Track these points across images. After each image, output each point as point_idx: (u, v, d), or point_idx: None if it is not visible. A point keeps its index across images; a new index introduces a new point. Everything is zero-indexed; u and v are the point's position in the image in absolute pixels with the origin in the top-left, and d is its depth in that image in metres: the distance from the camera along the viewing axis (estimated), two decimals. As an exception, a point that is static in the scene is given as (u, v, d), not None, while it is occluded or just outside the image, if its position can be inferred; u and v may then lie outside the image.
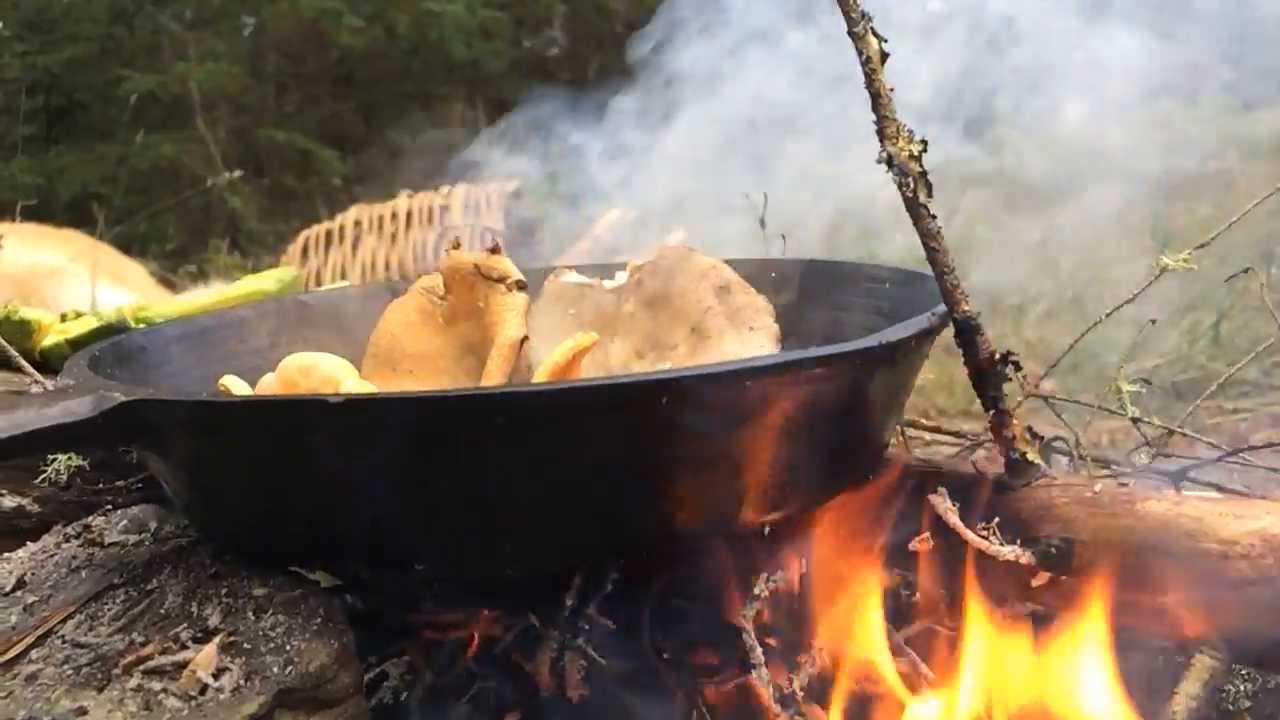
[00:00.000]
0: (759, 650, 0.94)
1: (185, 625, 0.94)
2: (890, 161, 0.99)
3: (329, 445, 0.84)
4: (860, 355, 0.88)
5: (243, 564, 1.00)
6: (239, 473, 0.90)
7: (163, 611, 0.96)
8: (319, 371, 1.18)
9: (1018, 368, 0.99)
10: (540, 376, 1.13)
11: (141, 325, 1.54)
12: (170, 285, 5.50)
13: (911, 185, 0.98)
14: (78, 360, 1.04)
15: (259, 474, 0.89)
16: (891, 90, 1.00)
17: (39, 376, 1.33)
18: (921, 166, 0.99)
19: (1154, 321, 1.44)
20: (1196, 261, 1.28)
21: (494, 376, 1.22)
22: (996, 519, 0.97)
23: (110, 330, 1.45)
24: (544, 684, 1.08)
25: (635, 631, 1.09)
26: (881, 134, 1.00)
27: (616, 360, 1.37)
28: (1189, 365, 3.32)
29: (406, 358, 1.35)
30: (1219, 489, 1.31)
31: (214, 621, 0.93)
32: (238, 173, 5.00)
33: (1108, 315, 1.38)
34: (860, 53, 1.00)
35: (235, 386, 1.10)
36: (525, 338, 1.24)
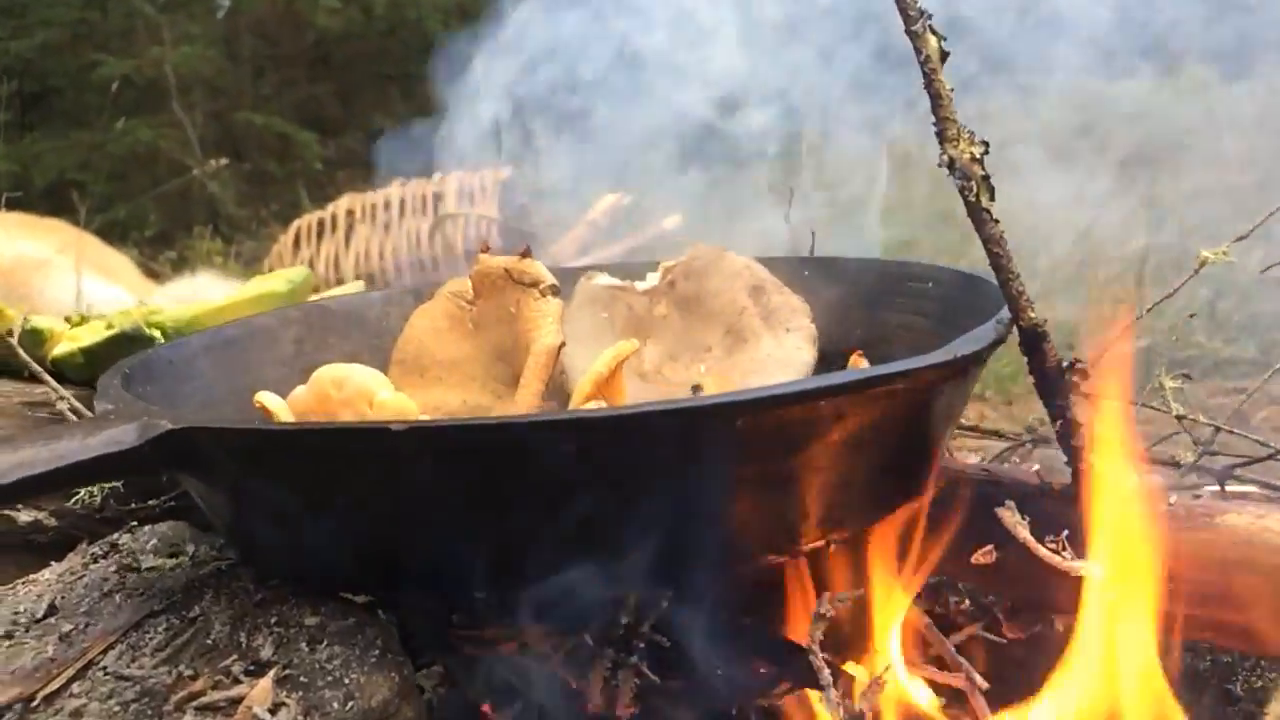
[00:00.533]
0: (827, 672, 0.92)
1: (235, 657, 0.90)
2: (952, 165, 0.95)
3: (391, 473, 0.81)
4: (936, 369, 0.85)
5: (289, 589, 0.96)
6: (292, 500, 0.87)
7: (209, 642, 0.93)
8: (352, 383, 1.15)
9: (1085, 376, 0.96)
10: (584, 387, 1.10)
11: (154, 331, 1.50)
12: (153, 274, 5.44)
13: (974, 189, 0.95)
14: (111, 380, 1.00)
15: (314, 502, 0.85)
16: (951, 91, 0.97)
17: (60, 389, 1.29)
18: (984, 169, 0.96)
19: (1192, 316, 1.42)
20: (1188, 236, 1.27)
21: (531, 385, 1.19)
22: (1066, 532, 0.95)
23: (125, 338, 1.41)
24: (594, 702, 1.05)
25: (686, 645, 1.06)
26: (942, 136, 0.96)
27: (650, 364, 1.34)
28: (1186, 344, 3.31)
29: (435, 364, 1.32)
30: (1266, 486, 1.30)
31: (266, 653, 0.90)
32: (224, 161, 4.91)
33: (1149, 310, 1.36)
34: (919, 52, 0.97)
35: (271, 404, 1.07)
36: (562, 345, 1.20)
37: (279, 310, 1.33)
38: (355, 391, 1.14)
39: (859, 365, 1.16)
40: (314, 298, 1.69)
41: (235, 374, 1.22)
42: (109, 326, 1.56)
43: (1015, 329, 0.96)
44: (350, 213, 3.32)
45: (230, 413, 1.18)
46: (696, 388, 1.12)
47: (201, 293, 4.20)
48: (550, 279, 1.24)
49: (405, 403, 1.15)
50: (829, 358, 1.31)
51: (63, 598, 1.08)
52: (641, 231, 3.35)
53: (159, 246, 6.19)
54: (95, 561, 1.16)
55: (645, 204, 3.42)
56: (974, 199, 0.95)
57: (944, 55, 0.97)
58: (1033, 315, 0.96)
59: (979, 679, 1.07)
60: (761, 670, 1.09)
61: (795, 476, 0.85)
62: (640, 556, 0.86)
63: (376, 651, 0.89)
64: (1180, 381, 1.30)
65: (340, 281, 3.20)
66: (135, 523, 1.20)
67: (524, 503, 0.81)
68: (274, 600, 0.95)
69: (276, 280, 1.67)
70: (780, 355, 1.30)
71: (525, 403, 1.19)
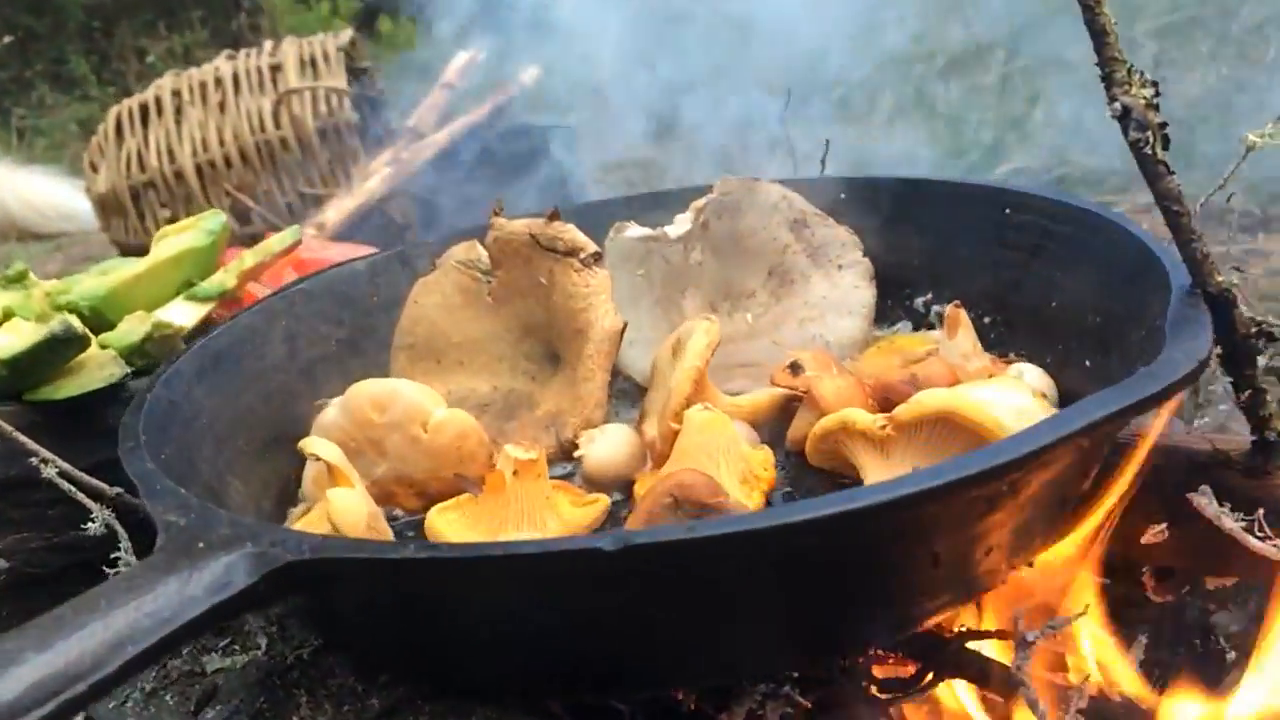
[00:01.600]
0: (1041, 706, 0.83)
1: (386, 796, 0.76)
2: (1126, 114, 0.83)
3: (591, 590, 0.66)
4: (1183, 382, 0.73)
5: (408, 690, 0.81)
6: (452, 621, 0.71)
7: (340, 775, 0.78)
8: (400, 404, 0.98)
9: (1272, 339, 0.87)
10: (683, 386, 0.95)
11: (72, 318, 1.26)
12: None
13: (1149, 140, 0.83)
14: (144, 465, 0.80)
15: (484, 621, 0.70)
16: (1116, 25, 0.83)
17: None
18: (1160, 116, 0.83)
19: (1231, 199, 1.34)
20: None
21: (596, 377, 1.04)
22: (1261, 510, 0.86)
23: (55, 341, 1.17)
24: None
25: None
26: (1110, 80, 0.83)
27: (689, 317, 1.19)
28: (1061, 160, 3.30)
29: (453, 347, 1.14)
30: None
31: (428, 790, 0.75)
32: (8, 39, 4.34)
33: (1201, 204, 1.28)
34: (1079, -17, 0.82)
35: (328, 454, 0.89)
36: (625, 326, 1.05)
37: (260, 306, 1.12)
38: (404, 413, 0.98)
39: (959, 319, 1.04)
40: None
41: (235, 394, 1.03)
42: (7, 315, 1.31)
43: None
44: (176, 93, 2.96)
45: (244, 445, 1.00)
46: (795, 365, 0.99)
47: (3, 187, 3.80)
48: (591, 245, 1.07)
49: (466, 420, 0.99)
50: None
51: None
52: (503, 89, 3.12)
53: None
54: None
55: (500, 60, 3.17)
56: (1150, 151, 0.83)
57: (1107, -16, 0.83)
58: (1220, 279, 0.85)
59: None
60: (908, 666, 1.00)
61: (1018, 511, 0.74)
62: (856, 625, 0.75)
63: (565, 776, 0.75)
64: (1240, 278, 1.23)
65: (179, 175, 2.88)
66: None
67: (748, 601, 0.68)
68: (402, 709, 0.80)
69: (194, 234, 1.43)
70: (836, 297, 1.17)
71: (592, 396, 1.04)
